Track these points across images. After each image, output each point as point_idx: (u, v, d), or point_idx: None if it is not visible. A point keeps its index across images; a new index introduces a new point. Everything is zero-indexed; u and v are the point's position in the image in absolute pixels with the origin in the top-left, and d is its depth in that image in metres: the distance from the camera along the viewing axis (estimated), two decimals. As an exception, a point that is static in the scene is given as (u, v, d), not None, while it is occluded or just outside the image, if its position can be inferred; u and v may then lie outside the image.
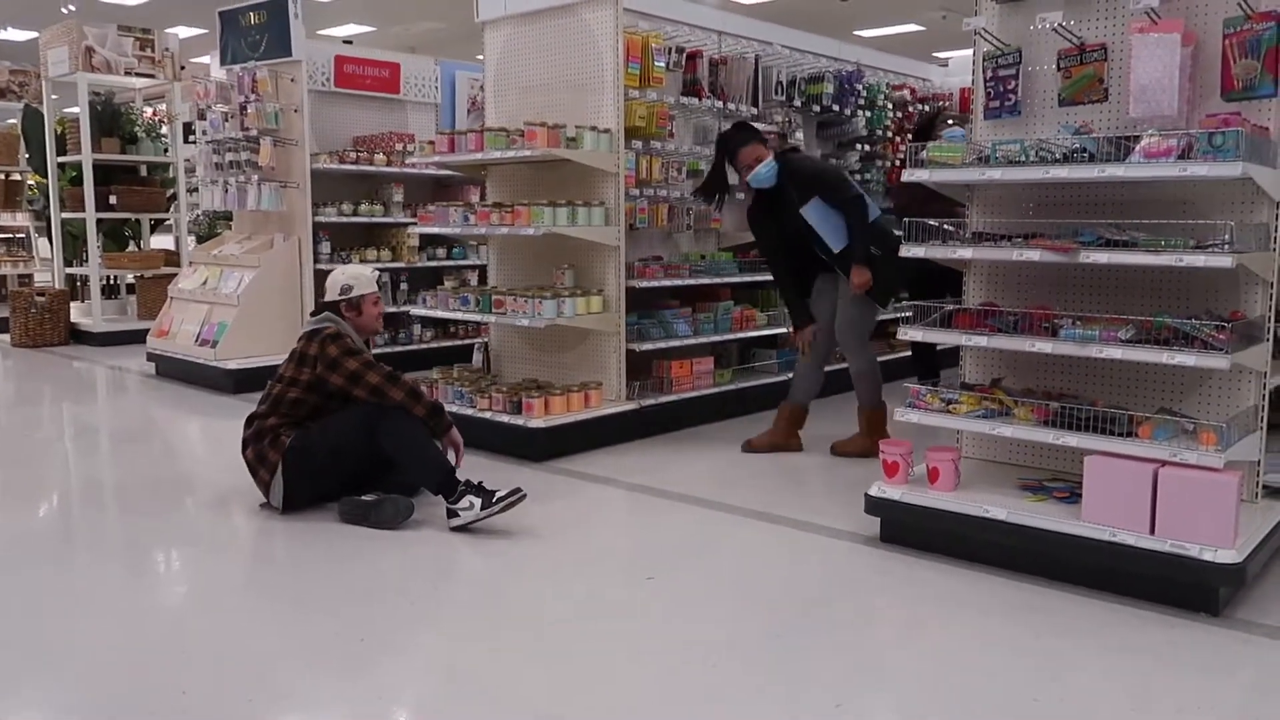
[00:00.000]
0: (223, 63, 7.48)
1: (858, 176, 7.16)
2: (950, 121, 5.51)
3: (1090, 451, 3.39)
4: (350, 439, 4.08)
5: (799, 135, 6.53)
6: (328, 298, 4.37)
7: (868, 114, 6.99)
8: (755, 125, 5.36)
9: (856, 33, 16.04)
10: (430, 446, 4.08)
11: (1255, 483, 3.62)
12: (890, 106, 7.16)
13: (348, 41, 16.48)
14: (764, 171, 4.93)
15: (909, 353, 6.41)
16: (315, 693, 2.71)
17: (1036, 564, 3.47)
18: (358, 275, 4.42)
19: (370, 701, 2.62)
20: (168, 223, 10.51)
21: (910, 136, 6.91)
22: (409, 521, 4.03)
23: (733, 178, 5.21)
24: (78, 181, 9.11)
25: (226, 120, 7.27)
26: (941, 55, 13.42)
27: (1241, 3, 3.35)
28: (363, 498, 4.07)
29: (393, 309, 7.27)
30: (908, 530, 3.78)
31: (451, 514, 3.97)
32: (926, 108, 7.43)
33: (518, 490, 3.99)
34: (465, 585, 3.59)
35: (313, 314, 4.43)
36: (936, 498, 3.70)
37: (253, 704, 2.61)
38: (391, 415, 4.03)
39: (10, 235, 11.88)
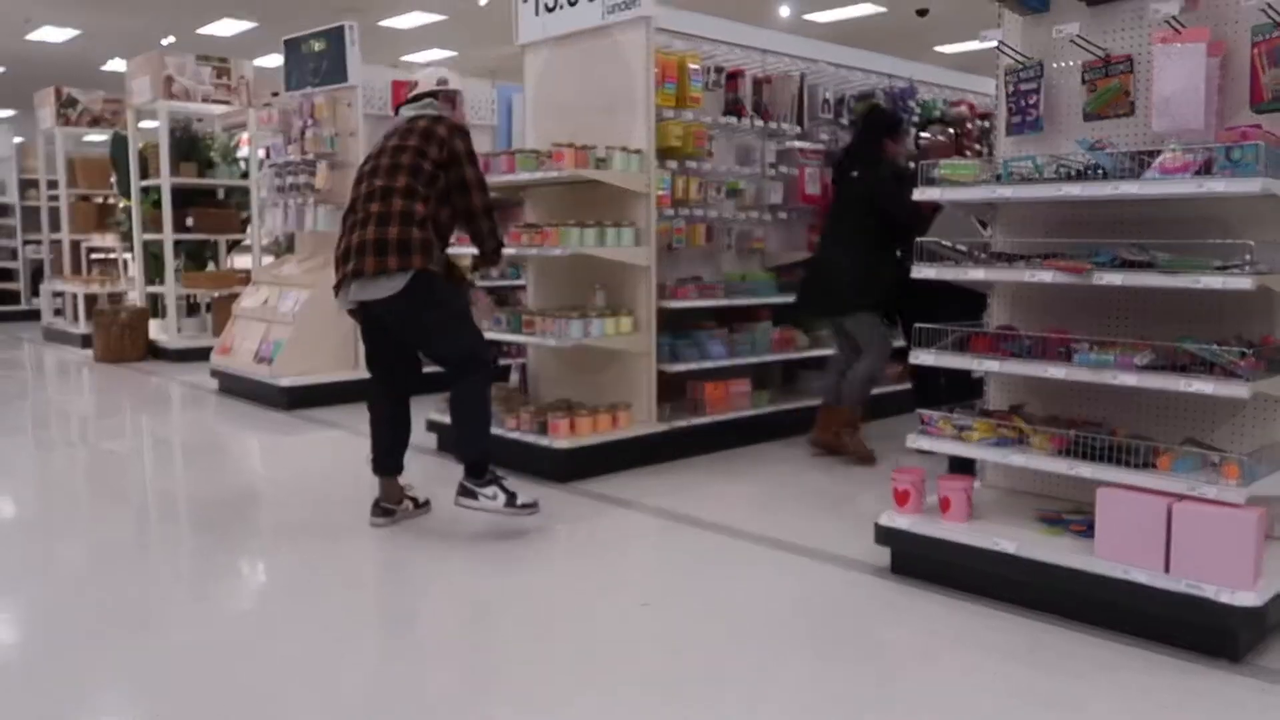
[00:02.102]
0: (287, 88, 7.75)
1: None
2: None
3: (1104, 483, 3.22)
4: (450, 340, 4.05)
5: (847, 155, 6.40)
6: (420, 89, 4.28)
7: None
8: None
9: (937, 49, 15.74)
10: (487, 417, 4.15)
11: (1292, 520, 3.39)
12: (946, 124, 6.96)
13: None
14: None
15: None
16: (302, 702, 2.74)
17: (1048, 601, 3.31)
18: (450, 74, 4.37)
19: (331, 706, 2.65)
20: (248, 243, 10.89)
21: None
22: (434, 530, 4.18)
23: None
24: (159, 205, 9.52)
25: (288, 145, 7.50)
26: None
27: (1268, 9, 3.16)
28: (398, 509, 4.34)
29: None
30: (918, 561, 3.65)
31: (469, 493, 4.08)
32: (987, 123, 7.21)
33: (535, 503, 4.12)
34: (451, 596, 3.60)
35: (411, 100, 4.27)
36: (946, 528, 3.56)
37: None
38: (486, 376, 4.14)
39: (103, 256, 12.48)
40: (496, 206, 4.17)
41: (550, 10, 5.65)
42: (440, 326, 4.05)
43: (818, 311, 5.66)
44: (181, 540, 4.32)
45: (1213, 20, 3.37)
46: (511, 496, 4.06)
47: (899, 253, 5.20)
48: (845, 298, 5.36)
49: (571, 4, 5.52)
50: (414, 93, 4.30)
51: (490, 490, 4.05)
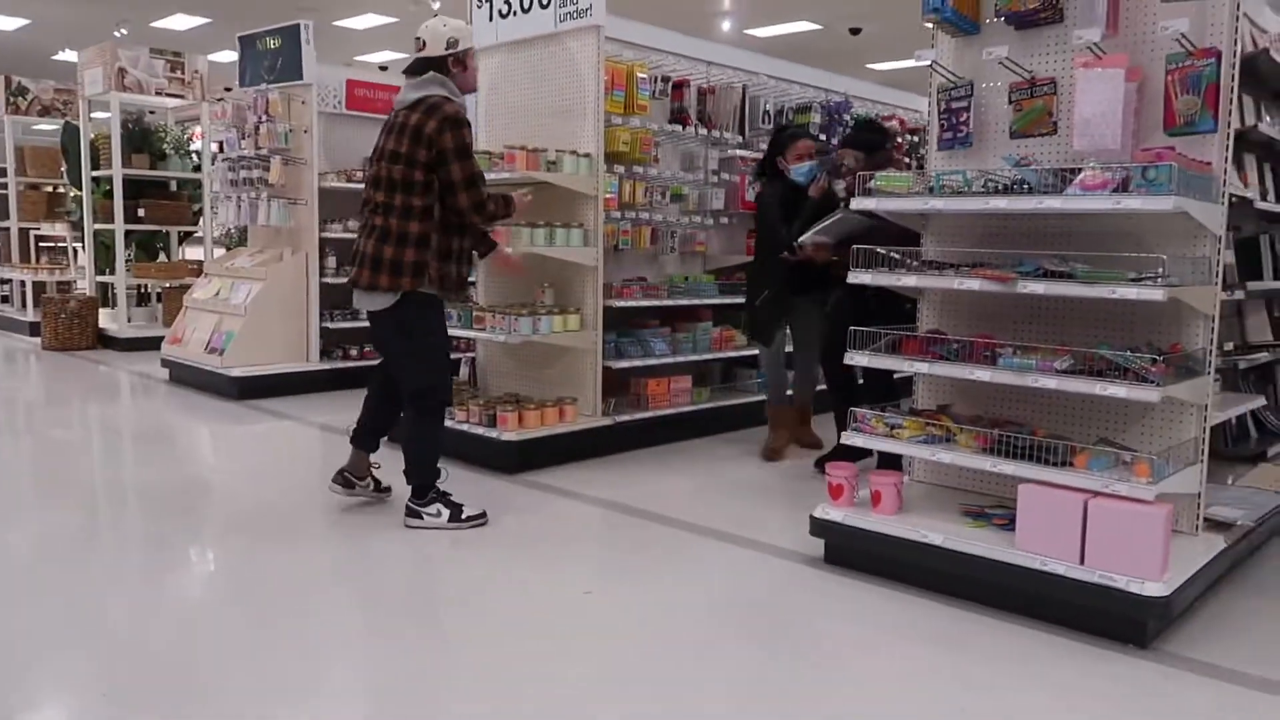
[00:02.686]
0: (241, 85, 7.78)
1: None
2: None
3: (1025, 480, 3.41)
4: (410, 371, 4.16)
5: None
6: (429, 52, 4.07)
7: (855, 144, 7.04)
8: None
9: (869, 66, 16.17)
10: (434, 452, 4.26)
11: (1196, 515, 3.61)
12: (880, 137, 7.21)
13: (383, 68, 16.87)
14: (805, 169, 5.37)
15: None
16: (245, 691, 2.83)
17: (973, 590, 3.49)
18: (460, 27, 4.12)
19: (281, 695, 2.75)
20: (200, 235, 10.86)
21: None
22: (383, 520, 4.31)
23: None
24: (110, 195, 9.48)
25: (242, 139, 7.54)
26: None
27: (1182, 39, 3.38)
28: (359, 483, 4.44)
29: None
30: (850, 553, 3.81)
31: (413, 513, 4.21)
32: (916, 138, 7.48)
33: (483, 513, 4.25)
34: (400, 585, 3.70)
35: (411, 70, 4.12)
36: (877, 521, 3.72)
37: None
38: (434, 412, 4.21)
39: (52, 244, 12.36)
40: (488, 201, 4.09)
41: (504, 16, 5.78)
42: (406, 354, 4.16)
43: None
44: (129, 531, 4.35)
45: (1131, 48, 3.58)
46: (456, 510, 4.20)
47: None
48: (749, 301, 5.63)
49: (525, 11, 5.65)
50: (420, 54, 4.11)
51: (433, 508, 4.19)
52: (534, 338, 5.18)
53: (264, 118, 7.30)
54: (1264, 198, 4.51)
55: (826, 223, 4.91)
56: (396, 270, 3.98)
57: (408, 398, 4.23)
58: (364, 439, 4.45)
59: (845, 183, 5.29)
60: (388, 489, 4.56)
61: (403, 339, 4.12)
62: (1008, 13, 3.75)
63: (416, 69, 4.12)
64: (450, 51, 4.09)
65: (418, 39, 4.15)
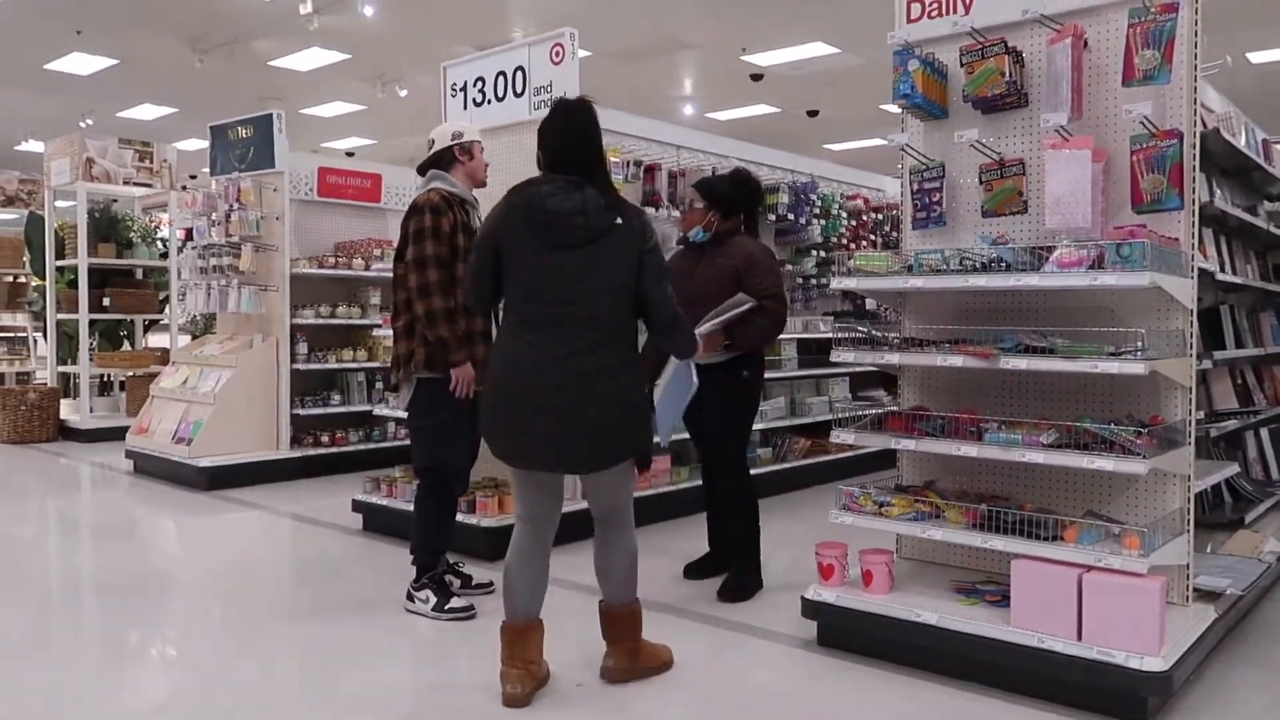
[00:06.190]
0: (212, 173, 7.81)
1: (813, 280, 7.43)
2: None
3: (1017, 555, 3.41)
4: (414, 447, 4.34)
5: (759, 242, 6.72)
6: (436, 147, 4.27)
7: (822, 222, 7.19)
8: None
9: (826, 146, 16.68)
10: (434, 533, 4.28)
11: (1185, 586, 3.62)
12: (844, 215, 7.41)
13: (350, 154, 17.05)
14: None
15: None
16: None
17: (969, 669, 3.46)
18: (466, 125, 4.42)
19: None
20: (165, 323, 10.77)
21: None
22: (359, 613, 4.16)
23: None
24: (75, 284, 9.38)
25: (213, 227, 7.53)
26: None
27: (1145, 121, 3.49)
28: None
29: (365, 407, 7.43)
30: (843, 634, 3.78)
31: (409, 595, 4.23)
32: (880, 216, 7.66)
33: (469, 607, 4.17)
34: (376, 684, 3.58)
35: (420, 170, 4.34)
36: (870, 601, 3.70)
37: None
38: (435, 489, 4.26)
39: (11, 335, 12.16)
40: (434, 292, 4.00)
41: (478, 105, 5.87)
42: (411, 434, 4.40)
43: None
44: (86, 630, 4.21)
45: (1095, 129, 3.70)
46: (442, 601, 4.15)
47: None
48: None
49: (499, 99, 5.75)
50: (430, 153, 4.31)
51: (424, 594, 4.18)
52: (512, 422, 5.13)
53: (235, 205, 7.32)
54: (1223, 269, 4.65)
55: (731, 313, 4.26)
56: (397, 364, 4.26)
57: (416, 475, 4.38)
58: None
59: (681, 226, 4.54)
60: (489, 583, 4.52)
61: (410, 419, 4.34)
62: (974, 98, 3.86)
63: (423, 169, 4.33)
64: (455, 142, 4.30)
65: (429, 140, 4.35)
